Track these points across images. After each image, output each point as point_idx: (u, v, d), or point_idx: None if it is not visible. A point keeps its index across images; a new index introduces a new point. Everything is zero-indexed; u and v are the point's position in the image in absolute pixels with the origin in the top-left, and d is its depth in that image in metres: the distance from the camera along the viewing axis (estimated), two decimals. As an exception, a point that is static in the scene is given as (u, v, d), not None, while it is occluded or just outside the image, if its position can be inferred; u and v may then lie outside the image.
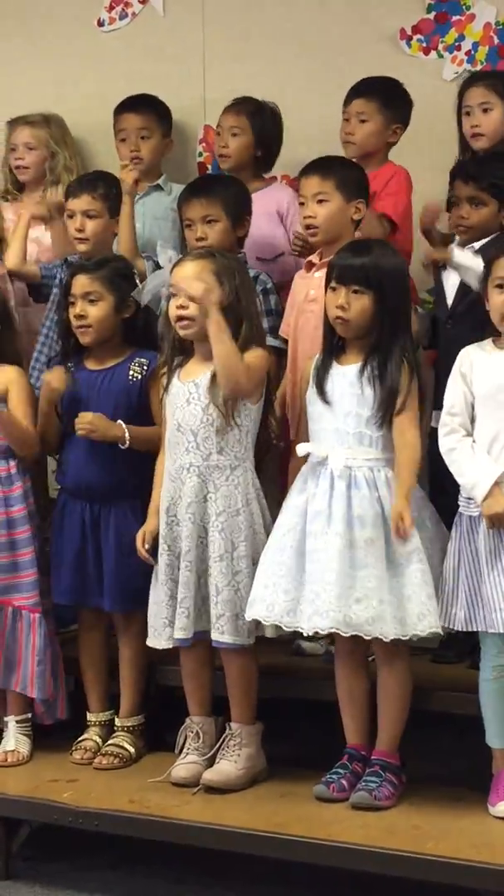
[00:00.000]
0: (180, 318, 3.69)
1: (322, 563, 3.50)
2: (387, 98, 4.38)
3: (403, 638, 3.48)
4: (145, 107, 4.75)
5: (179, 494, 3.71)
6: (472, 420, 3.51)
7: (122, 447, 3.82)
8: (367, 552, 3.49)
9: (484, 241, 3.95)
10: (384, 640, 3.48)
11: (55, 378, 3.96)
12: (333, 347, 3.64)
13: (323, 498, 3.55)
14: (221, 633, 3.66)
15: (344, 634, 3.49)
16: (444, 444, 3.52)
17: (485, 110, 4.24)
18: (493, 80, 4.30)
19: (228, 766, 3.72)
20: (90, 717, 4.03)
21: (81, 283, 3.92)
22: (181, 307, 3.67)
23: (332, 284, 3.60)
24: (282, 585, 3.54)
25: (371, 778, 3.59)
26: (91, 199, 4.26)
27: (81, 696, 4.08)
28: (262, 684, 3.77)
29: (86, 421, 3.82)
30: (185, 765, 3.77)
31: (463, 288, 3.91)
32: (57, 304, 4.18)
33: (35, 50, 5.18)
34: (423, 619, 3.47)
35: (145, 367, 3.90)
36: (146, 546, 3.77)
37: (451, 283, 3.98)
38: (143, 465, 3.86)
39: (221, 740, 3.75)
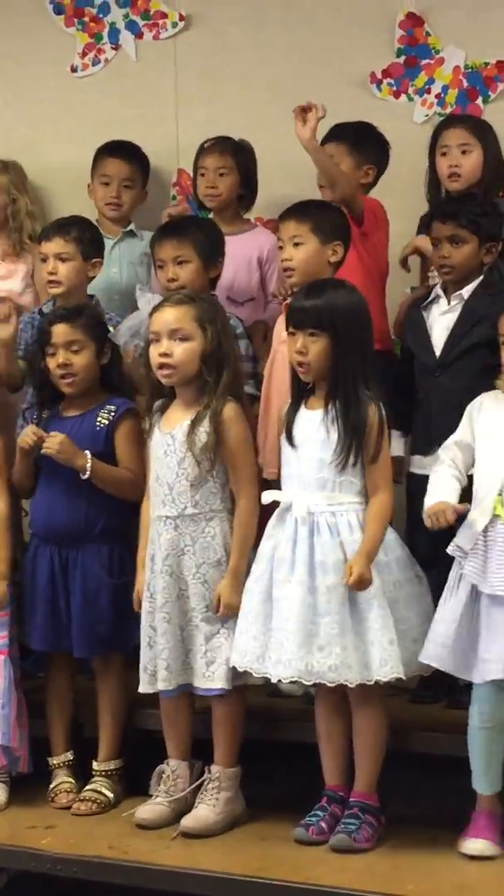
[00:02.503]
0: (162, 366, 3.69)
1: (285, 611, 3.51)
2: (356, 140, 4.42)
3: (368, 683, 3.49)
4: (132, 156, 4.80)
5: (158, 546, 3.73)
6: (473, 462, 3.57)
7: (83, 476, 3.82)
8: (329, 599, 3.49)
9: (470, 287, 3.98)
10: (349, 686, 3.48)
11: (28, 435, 3.91)
12: (301, 392, 3.65)
13: (287, 545, 3.56)
14: (211, 680, 3.66)
15: (306, 683, 3.50)
16: (432, 472, 3.59)
17: (463, 151, 4.28)
18: (474, 124, 4.35)
19: (207, 810, 3.71)
20: (54, 760, 4.01)
21: (63, 332, 3.92)
22: (164, 354, 3.68)
23: (290, 330, 3.61)
24: (251, 632, 3.57)
25: (350, 820, 3.58)
26: (64, 242, 4.26)
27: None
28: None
29: (56, 441, 3.82)
30: (150, 806, 3.77)
31: (453, 336, 3.94)
32: (32, 355, 4.15)
33: (9, 95, 5.21)
34: (385, 665, 3.47)
35: (113, 414, 3.91)
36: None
37: (437, 331, 3.99)
38: (111, 509, 3.88)
39: (200, 784, 3.74)
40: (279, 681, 3.68)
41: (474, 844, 3.48)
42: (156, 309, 3.75)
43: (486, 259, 3.99)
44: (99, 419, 3.92)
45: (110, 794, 3.92)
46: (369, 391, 3.55)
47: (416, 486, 3.99)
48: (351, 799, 3.61)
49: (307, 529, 3.54)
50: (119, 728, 3.96)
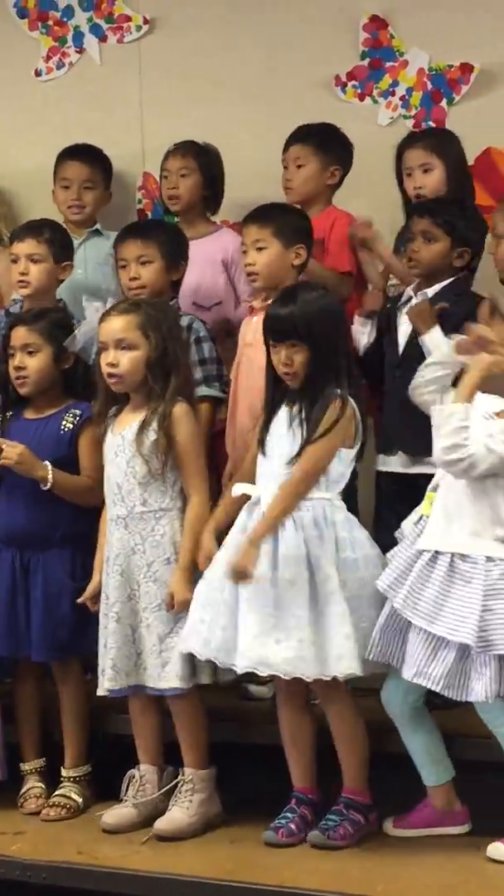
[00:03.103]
0: (110, 375, 3.72)
1: (246, 603, 3.51)
2: (321, 141, 4.42)
3: (325, 678, 3.49)
4: (92, 158, 4.79)
5: (110, 546, 3.74)
6: None
7: (43, 488, 3.82)
8: (289, 592, 3.49)
9: (437, 287, 3.98)
10: (306, 680, 3.49)
11: None
12: (274, 403, 3.65)
13: None
14: (166, 680, 3.65)
15: (262, 674, 3.51)
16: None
17: (425, 171, 4.27)
18: (431, 140, 4.33)
19: (180, 813, 3.70)
20: (25, 766, 4.00)
21: (20, 334, 3.94)
22: (111, 364, 3.71)
23: (271, 342, 3.63)
24: (219, 622, 3.56)
25: (331, 817, 3.59)
26: (36, 243, 4.26)
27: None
28: (210, 729, 3.76)
29: (15, 451, 3.82)
30: (116, 810, 3.77)
31: (414, 336, 3.94)
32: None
33: (-27, 100, 5.20)
34: (340, 661, 3.47)
35: (77, 418, 3.92)
36: (93, 602, 3.78)
37: (402, 329, 4.00)
38: (73, 514, 3.89)
39: (174, 786, 3.73)
40: (252, 680, 3.70)
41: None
42: (103, 318, 3.79)
43: (456, 262, 4.00)
44: (64, 422, 3.92)
45: (79, 799, 3.91)
46: (340, 389, 3.56)
47: (382, 485, 4.00)
48: (341, 795, 3.62)
49: None
50: (83, 733, 3.95)
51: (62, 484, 3.85)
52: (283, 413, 3.62)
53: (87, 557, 3.89)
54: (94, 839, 3.72)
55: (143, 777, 3.79)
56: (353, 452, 3.60)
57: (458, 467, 3.39)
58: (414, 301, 4.00)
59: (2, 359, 4.01)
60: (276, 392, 3.66)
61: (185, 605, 3.63)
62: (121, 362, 3.70)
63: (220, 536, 3.67)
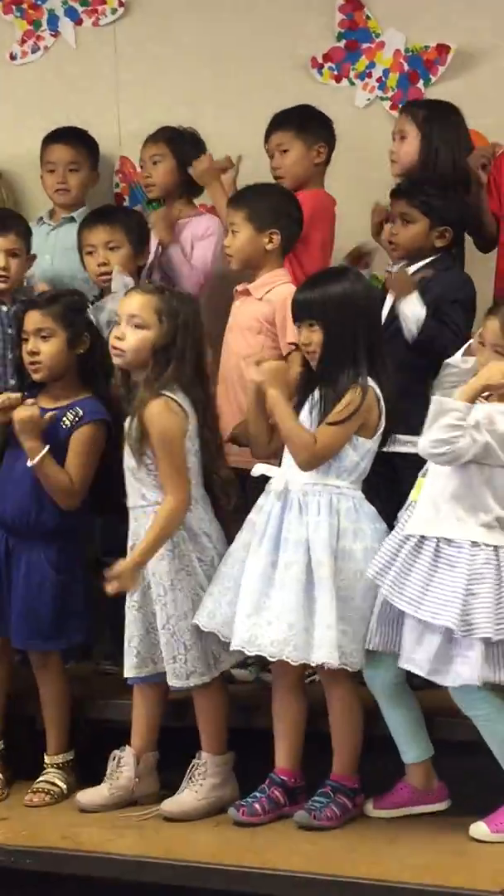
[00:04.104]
0: (114, 347, 3.70)
1: (245, 581, 3.54)
2: (300, 122, 4.42)
3: (311, 664, 3.50)
4: (76, 140, 4.77)
5: (130, 535, 3.75)
6: None
7: (28, 463, 3.77)
8: (284, 575, 3.51)
9: (420, 263, 3.99)
10: (292, 663, 3.50)
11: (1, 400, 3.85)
12: (308, 380, 3.64)
13: (263, 518, 3.59)
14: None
15: (248, 653, 3.53)
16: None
17: (402, 138, 4.25)
18: (413, 109, 4.28)
19: (189, 795, 3.71)
20: None
21: (33, 319, 3.88)
22: (117, 338, 3.69)
23: (296, 323, 3.64)
24: (227, 597, 3.58)
25: (318, 798, 3.60)
26: (15, 237, 4.22)
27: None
28: (189, 713, 3.76)
29: (28, 412, 3.74)
30: (89, 790, 3.79)
31: (390, 314, 3.93)
32: (12, 342, 4.10)
33: None
34: (320, 648, 3.47)
35: (77, 417, 3.85)
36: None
37: (385, 308, 3.98)
38: (55, 510, 3.83)
39: (189, 769, 3.73)
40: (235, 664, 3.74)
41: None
42: (127, 293, 3.77)
43: (437, 243, 3.99)
44: (64, 419, 3.85)
45: (64, 786, 3.91)
46: (360, 376, 3.54)
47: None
48: (329, 779, 3.63)
49: (280, 505, 3.56)
50: (64, 720, 3.94)
51: (47, 471, 3.79)
52: (310, 398, 3.61)
53: (73, 551, 3.88)
54: (77, 824, 3.72)
55: (121, 760, 3.79)
56: (370, 442, 3.57)
57: (442, 459, 3.41)
58: (394, 268, 3.99)
59: (16, 343, 3.96)
60: (309, 378, 3.64)
61: (122, 589, 3.61)
62: (127, 338, 3.66)
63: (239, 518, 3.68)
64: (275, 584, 3.52)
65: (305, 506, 3.55)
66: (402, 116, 4.32)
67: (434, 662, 3.40)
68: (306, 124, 4.43)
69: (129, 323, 3.68)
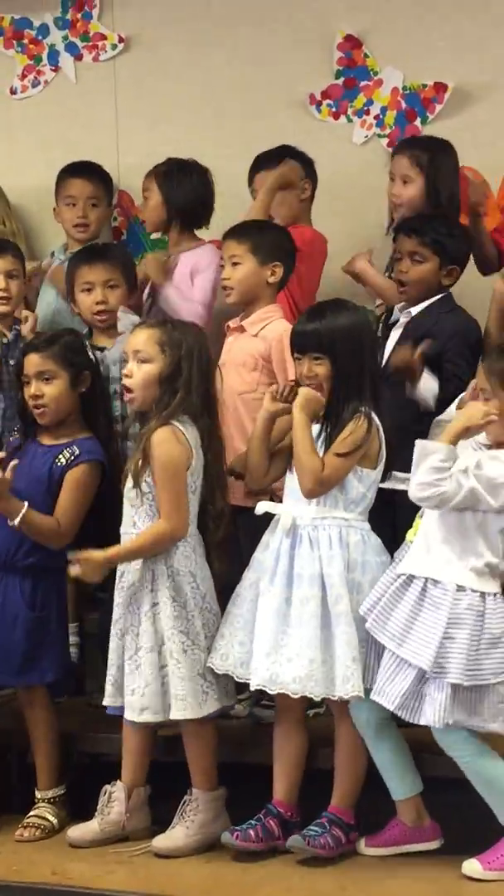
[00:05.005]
0: (125, 388, 3.72)
1: (260, 619, 3.54)
2: (280, 163, 4.40)
3: (333, 698, 3.50)
4: (95, 175, 4.78)
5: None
6: None
7: (10, 523, 3.75)
8: (301, 611, 3.52)
9: (422, 305, 4.00)
10: (314, 699, 3.50)
11: None
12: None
13: (272, 555, 3.60)
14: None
15: (270, 692, 3.52)
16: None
17: (405, 182, 4.26)
18: (416, 151, 4.27)
19: (180, 831, 3.70)
20: None
21: (34, 362, 3.88)
22: (126, 376, 3.71)
23: (296, 355, 3.64)
24: (238, 637, 3.59)
25: (314, 828, 3.60)
26: (12, 258, 4.30)
27: None
28: (179, 748, 3.75)
29: None
30: (80, 826, 3.77)
31: (396, 348, 3.93)
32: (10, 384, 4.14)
33: None
34: (347, 682, 3.48)
35: (72, 456, 3.84)
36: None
37: (389, 345, 3.99)
38: (36, 546, 3.82)
39: (181, 805, 3.72)
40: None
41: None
42: (132, 330, 3.79)
43: (445, 281, 4.01)
44: (60, 456, 3.85)
45: (54, 820, 3.89)
46: (363, 407, 3.55)
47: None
48: (326, 811, 3.62)
49: (290, 541, 3.57)
50: (54, 756, 3.92)
51: (30, 524, 3.75)
52: (314, 432, 3.60)
53: (50, 589, 3.87)
54: (68, 859, 3.70)
55: (112, 794, 3.78)
56: (374, 474, 3.59)
57: (430, 503, 3.42)
58: (394, 345, 3.97)
59: (17, 386, 3.96)
60: None
61: (86, 573, 3.61)
62: (134, 374, 3.68)
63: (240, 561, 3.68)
64: (291, 620, 3.52)
65: (316, 540, 3.56)
66: (402, 159, 4.30)
67: (403, 698, 3.42)
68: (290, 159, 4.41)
69: (135, 359, 3.70)
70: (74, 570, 3.64)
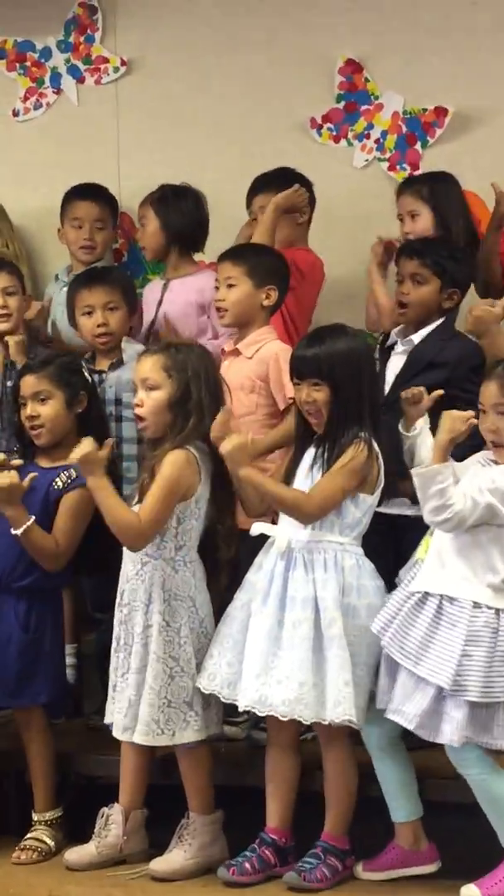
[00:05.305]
0: (138, 417, 3.73)
1: (251, 641, 3.54)
2: (279, 186, 4.41)
3: (323, 722, 3.48)
4: (101, 197, 4.79)
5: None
6: None
7: (12, 532, 3.76)
8: (293, 633, 3.51)
9: (425, 331, 3.98)
10: (303, 722, 3.48)
11: None
12: (304, 437, 3.65)
13: (266, 577, 3.59)
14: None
15: (259, 713, 3.51)
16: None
17: (413, 217, 4.26)
18: (419, 186, 4.30)
19: (178, 854, 3.69)
20: None
21: (29, 383, 3.90)
22: (137, 405, 3.71)
23: (295, 380, 3.64)
24: (226, 658, 3.58)
25: (308, 860, 3.58)
26: (9, 276, 4.32)
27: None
28: (177, 770, 3.73)
29: (6, 480, 3.71)
30: (78, 849, 3.76)
31: (401, 376, 3.93)
32: (7, 405, 4.15)
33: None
34: (338, 706, 3.47)
35: (70, 480, 3.84)
36: None
37: (390, 370, 3.98)
38: (36, 568, 3.82)
39: (178, 828, 3.71)
40: (226, 721, 3.73)
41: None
42: (138, 358, 3.79)
43: (445, 304, 4.00)
44: (57, 479, 3.85)
45: (51, 842, 3.88)
46: (363, 433, 3.55)
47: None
48: (319, 839, 3.61)
49: (284, 564, 3.56)
50: (51, 778, 3.91)
51: (32, 539, 3.76)
52: (308, 455, 3.62)
53: (44, 610, 3.86)
54: (65, 882, 3.69)
55: (109, 817, 3.77)
56: (371, 498, 3.58)
57: (447, 526, 3.42)
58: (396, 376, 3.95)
59: (13, 408, 3.98)
60: (305, 434, 3.65)
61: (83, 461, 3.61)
62: (145, 403, 3.68)
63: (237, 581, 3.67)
64: (283, 643, 3.51)
65: (311, 563, 3.55)
66: (405, 197, 4.31)
67: (422, 717, 3.41)
68: (286, 187, 4.39)
69: (144, 387, 3.70)
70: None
